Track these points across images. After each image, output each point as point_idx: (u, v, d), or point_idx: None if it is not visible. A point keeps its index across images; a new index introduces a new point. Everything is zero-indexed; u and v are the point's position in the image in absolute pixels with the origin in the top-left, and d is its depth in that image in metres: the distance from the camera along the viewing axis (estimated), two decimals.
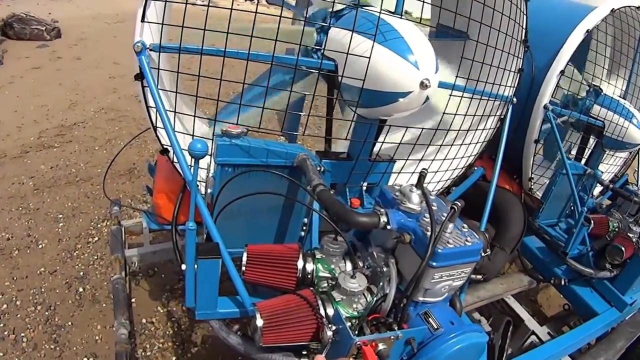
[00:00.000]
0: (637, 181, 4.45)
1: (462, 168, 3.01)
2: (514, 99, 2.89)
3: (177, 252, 2.11)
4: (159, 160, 2.66)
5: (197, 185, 1.70)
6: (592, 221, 3.23)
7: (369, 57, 1.86)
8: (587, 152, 4.09)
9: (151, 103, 1.92)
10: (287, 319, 1.65)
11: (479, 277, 2.67)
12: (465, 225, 1.82)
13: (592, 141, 4.07)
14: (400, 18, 2.05)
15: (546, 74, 3.24)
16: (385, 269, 1.80)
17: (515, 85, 2.89)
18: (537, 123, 3.28)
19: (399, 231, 1.72)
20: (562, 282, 3.44)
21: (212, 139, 1.97)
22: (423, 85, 1.88)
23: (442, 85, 2.19)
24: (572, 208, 3.62)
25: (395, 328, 1.64)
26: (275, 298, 1.75)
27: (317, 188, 1.74)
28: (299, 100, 2.51)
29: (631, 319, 3.67)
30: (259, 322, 1.62)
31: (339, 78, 2.00)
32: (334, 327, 1.59)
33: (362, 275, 1.77)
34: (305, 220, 2.26)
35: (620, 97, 3.89)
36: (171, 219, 2.16)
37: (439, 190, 2.99)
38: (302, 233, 2.29)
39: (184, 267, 1.65)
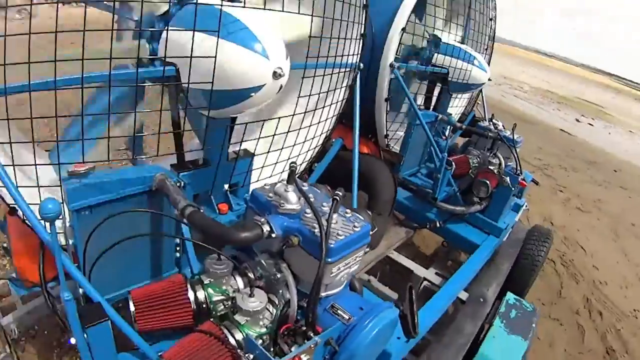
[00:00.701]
0: (485, 116, 4.81)
1: (320, 145, 3.01)
2: (361, 65, 2.92)
3: (58, 318, 1.88)
4: (8, 219, 2.32)
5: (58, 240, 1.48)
6: (453, 163, 3.45)
7: (215, 57, 1.73)
8: (434, 100, 4.30)
9: None
10: None
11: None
12: (348, 210, 1.83)
13: (438, 88, 4.30)
14: (242, 6, 1.91)
15: (387, 33, 3.33)
16: (279, 275, 1.76)
17: (359, 52, 2.91)
18: (385, 82, 3.40)
19: (285, 235, 1.68)
20: (438, 225, 3.68)
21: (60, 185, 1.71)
22: (276, 75, 1.80)
23: (294, 67, 2.12)
24: (429, 153, 3.84)
25: (311, 334, 1.62)
26: (179, 342, 1.63)
27: (185, 211, 1.61)
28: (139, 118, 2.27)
29: (508, 240, 4.07)
30: None
31: (184, 84, 1.83)
32: (251, 356, 1.52)
33: (259, 289, 1.72)
34: (177, 240, 2.12)
35: (459, 42, 4.12)
36: (38, 280, 1.90)
37: (301, 171, 2.98)
38: (177, 254, 2.15)
39: (73, 340, 1.47)
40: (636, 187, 11.91)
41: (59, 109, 1.63)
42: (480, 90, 4.73)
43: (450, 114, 4.32)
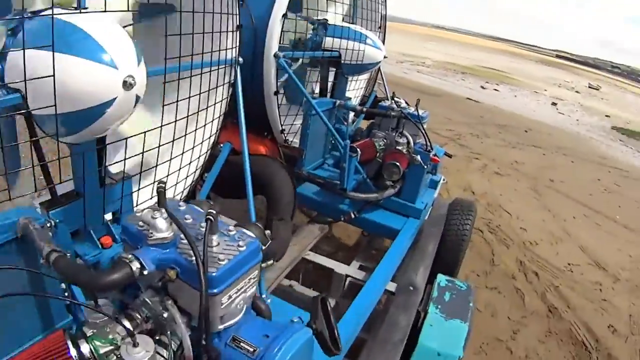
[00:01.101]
0: (386, 95, 4.69)
1: (205, 153, 2.74)
2: (240, 59, 2.69)
3: None
4: None
5: None
6: (358, 149, 3.29)
7: (53, 75, 1.43)
8: (330, 85, 4.12)
9: None
10: None
11: (270, 262, 2.48)
12: (231, 227, 1.59)
13: (333, 73, 4.10)
14: (79, 12, 1.58)
15: (268, 22, 3.12)
16: (166, 314, 1.49)
17: (237, 45, 2.68)
18: (271, 74, 3.19)
19: (160, 270, 1.43)
20: (353, 216, 3.50)
21: None
22: (127, 85, 1.53)
23: (153, 73, 1.86)
24: (332, 142, 3.67)
25: None
26: None
27: (50, 257, 1.36)
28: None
29: (430, 219, 3.95)
30: None
31: (32, 112, 1.53)
32: None
33: (143, 336, 1.44)
34: (64, 285, 1.81)
35: (349, 22, 3.95)
36: None
37: (190, 185, 2.70)
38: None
39: None
40: (548, 143, 12.36)
41: None
42: (379, 69, 4.62)
43: (349, 98, 4.15)
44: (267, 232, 2.03)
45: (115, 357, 1.46)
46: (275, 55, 3.11)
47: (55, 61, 1.43)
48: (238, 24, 2.62)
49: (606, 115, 22.32)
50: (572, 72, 59.30)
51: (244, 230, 1.62)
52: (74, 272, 1.34)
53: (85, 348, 1.43)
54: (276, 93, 3.25)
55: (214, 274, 1.37)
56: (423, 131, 3.51)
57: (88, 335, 1.47)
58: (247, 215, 2.53)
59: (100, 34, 1.52)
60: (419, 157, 3.39)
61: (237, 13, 2.58)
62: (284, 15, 3.11)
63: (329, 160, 3.92)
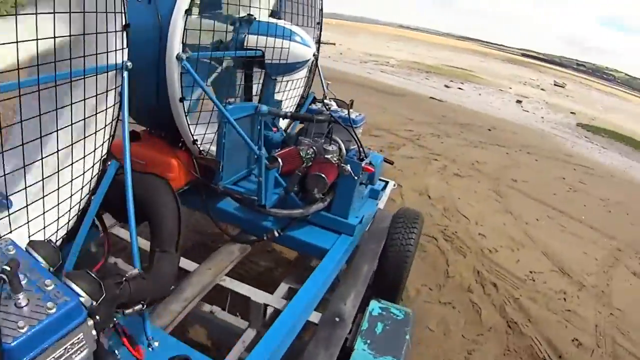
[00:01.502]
0: (324, 94, 4.32)
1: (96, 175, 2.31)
2: (129, 64, 2.28)
3: None
4: None
5: None
6: (279, 159, 2.94)
7: None
8: (258, 88, 3.72)
9: None
10: None
11: (139, 307, 2.01)
12: (48, 282, 1.22)
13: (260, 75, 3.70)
14: None
15: (170, 19, 2.72)
16: None
17: (125, 46, 2.27)
18: (175, 79, 2.77)
19: None
20: (277, 234, 3.10)
21: None
22: None
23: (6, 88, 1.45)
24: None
25: None
26: None
27: None
28: None
29: (370, 234, 3.56)
30: None
31: None
32: None
33: None
34: None
35: (275, 17, 3.56)
36: None
37: (76, 213, 2.26)
38: None
39: None
40: (512, 142, 12.21)
41: None
42: (317, 68, 4.24)
43: (279, 101, 3.75)
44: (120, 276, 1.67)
45: None
46: (178, 57, 2.70)
47: None
48: (125, 22, 2.23)
49: (571, 112, 22.49)
50: (538, 70, 60.22)
51: (68, 284, 1.26)
52: None
53: None
54: (182, 99, 2.83)
55: (10, 345, 1.09)
56: (355, 137, 3.13)
57: None
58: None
59: None
60: (348, 167, 3.00)
61: (124, 10, 2.18)
62: (187, 12, 2.70)
63: (255, 171, 3.51)
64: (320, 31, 4.29)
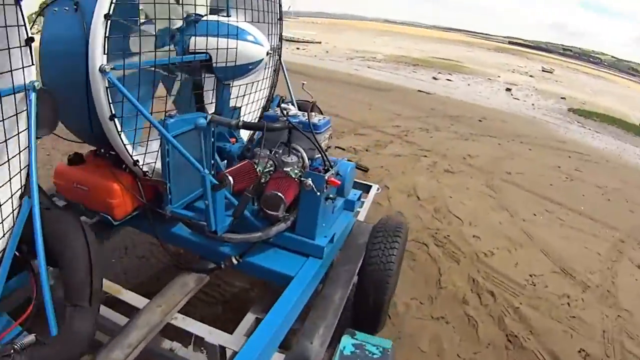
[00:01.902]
0: (292, 99, 3.89)
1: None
2: (36, 84, 1.95)
3: None
4: None
5: None
6: (229, 177, 2.52)
7: None
8: (212, 95, 3.27)
9: None
10: None
11: None
12: None
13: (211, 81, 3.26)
14: None
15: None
16: None
17: (31, 63, 1.97)
18: (101, 95, 2.35)
19: None
20: (235, 261, 2.69)
21: None
22: None
23: None
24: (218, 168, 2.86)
25: None
26: None
27: None
28: None
29: (343, 254, 3.13)
30: None
31: None
32: None
33: None
34: None
35: (224, 16, 3.10)
36: None
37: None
38: None
39: None
40: (504, 132, 11.83)
41: None
42: (281, 67, 3.81)
43: (237, 108, 3.30)
44: None
45: None
46: (101, 70, 2.27)
47: None
48: (28, 36, 1.89)
49: (562, 98, 22.19)
50: (525, 57, 60.09)
51: None
52: None
53: None
54: (112, 117, 2.40)
55: None
56: (317, 145, 2.69)
57: None
58: None
59: None
60: (309, 182, 2.56)
61: (24, 24, 1.89)
62: (107, 16, 2.26)
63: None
64: (282, 28, 3.86)
